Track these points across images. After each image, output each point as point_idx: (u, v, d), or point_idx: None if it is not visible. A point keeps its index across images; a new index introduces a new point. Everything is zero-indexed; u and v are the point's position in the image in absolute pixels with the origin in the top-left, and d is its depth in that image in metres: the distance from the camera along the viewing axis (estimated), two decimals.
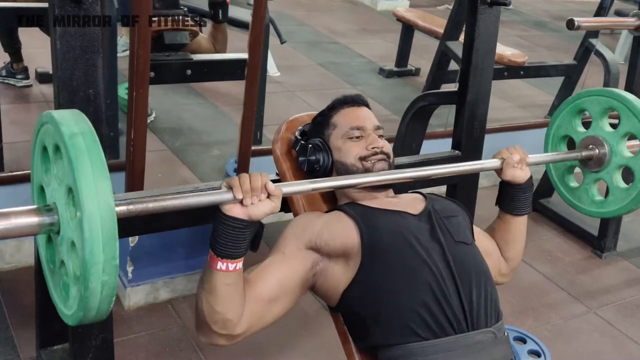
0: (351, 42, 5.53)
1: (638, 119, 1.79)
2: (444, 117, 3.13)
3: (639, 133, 1.81)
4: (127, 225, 1.70)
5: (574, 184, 2.01)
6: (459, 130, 2.19)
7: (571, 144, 1.99)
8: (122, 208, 1.14)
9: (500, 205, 1.77)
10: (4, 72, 3.64)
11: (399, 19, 4.78)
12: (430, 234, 1.51)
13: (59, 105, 1.49)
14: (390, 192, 1.66)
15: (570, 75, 4.34)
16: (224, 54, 2.92)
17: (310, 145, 1.64)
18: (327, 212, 1.59)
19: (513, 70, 4.05)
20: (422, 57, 4.84)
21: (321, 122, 1.68)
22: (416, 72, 4.85)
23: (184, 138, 3.45)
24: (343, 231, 1.46)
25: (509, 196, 1.73)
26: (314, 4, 6.57)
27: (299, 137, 1.70)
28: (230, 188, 1.27)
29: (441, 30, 4.16)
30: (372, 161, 1.59)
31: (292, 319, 2.43)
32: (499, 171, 1.71)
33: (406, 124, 2.34)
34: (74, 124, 1.04)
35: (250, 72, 2.23)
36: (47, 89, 3.63)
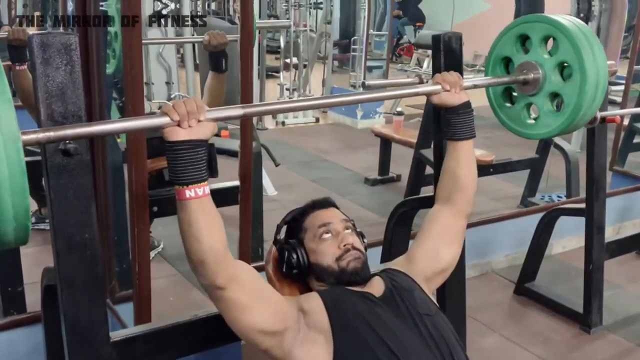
0: (338, 158, 5.53)
1: (573, 48, 1.66)
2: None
3: (572, 61, 1.68)
4: (130, 356, 1.57)
5: (509, 105, 1.88)
6: None
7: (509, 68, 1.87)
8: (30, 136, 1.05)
9: (444, 133, 1.69)
10: (33, 219, 3.55)
11: (377, 134, 4.80)
12: (396, 313, 1.45)
13: (56, 251, 1.38)
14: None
15: (535, 167, 4.29)
16: (219, 183, 2.84)
17: (287, 250, 1.58)
18: None
19: (483, 169, 3.97)
20: (401, 164, 4.81)
21: (295, 227, 1.63)
22: (397, 179, 4.82)
23: None
24: (316, 308, 1.42)
25: (445, 121, 1.64)
26: (303, 130, 6.64)
27: (279, 239, 1.66)
28: (165, 113, 1.20)
29: (414, 140, 4.15)
30: (347, 259, 1.53)
31: None
32: (430, 97, 1.61)
33: (391, 230, 2.23)
34: None
35: (242, 197, 2.16)
36: None
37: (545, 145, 4.22)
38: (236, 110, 1.34)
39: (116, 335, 1.51)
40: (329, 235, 1.55)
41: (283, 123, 6.57)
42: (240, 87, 2.07)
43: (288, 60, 6.98)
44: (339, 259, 1.53)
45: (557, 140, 4.13)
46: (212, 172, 1.27)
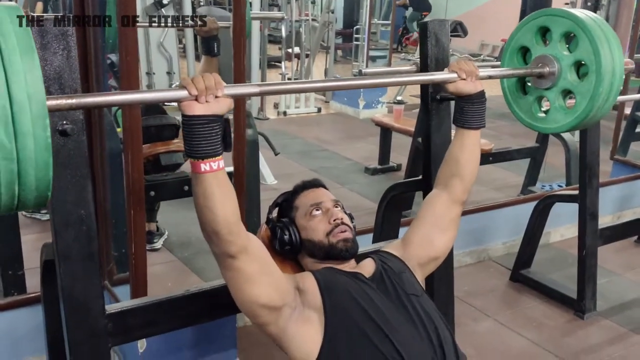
0: (338, 148, 5.62)
1: (592, 48, 1.66)
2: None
3: (590, 62, 1.68)
4: (124, 330, 1.67)
5: (522, 95, 1.90)
6: None
7: (525, 58, 1.89)
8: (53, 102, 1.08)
9: (454, 121, 1.73)
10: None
11: (377, 123, 4.88)
12: (384, 293, 1.54)
13: (54, 227, 1.48)
14: (353, 262, 1.66)
15: (535, 156, 4.36)
16: None
17: (279, 228, 1.67)
18: None
19: (483, 157, 3.98)
20: (402, 154, 4.88)
21: (286, 207, 1.72)
22: (398, 168, 4.89)
23: (192, 248, 3.43)
24: (310, 287, 1.51)
25: (459, 108, 1.69)
26: (305, 120, 6.72)
27: (271, 218, 1.74)
28: (184, 87, 1.25)
29: (413, 129, 4.22)
30: (336, 234, 1.61)
31: None
32: (445, 85, 1.65)
33: (382, 214, 2.32)
34: None
35: (236, 184, 2.24)
36: None
37: (544, 135, 4.29)
38: (252, 88, 1.38)
39: (111, 308, 1.61)
40: (319, 212, 1.64)
41: (285, 113, 6.66)
42: (234, 77, 2.16)
43: (290, 50, 7.07)
44: (329, 234, 1.61)
45: None
46: (227, 146, 1.31)
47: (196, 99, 1.24)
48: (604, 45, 1.67)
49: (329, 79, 1.61)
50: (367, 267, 1.63)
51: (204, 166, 1.26)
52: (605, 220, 3.65)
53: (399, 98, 5.10)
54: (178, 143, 2.69)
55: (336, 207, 1.67)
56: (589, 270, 2.99)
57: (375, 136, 5.12)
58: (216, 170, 1.28)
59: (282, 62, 6.94)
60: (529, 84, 1.87)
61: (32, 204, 1.02)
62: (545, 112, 1.85)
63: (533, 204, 3.29)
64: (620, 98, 3.40)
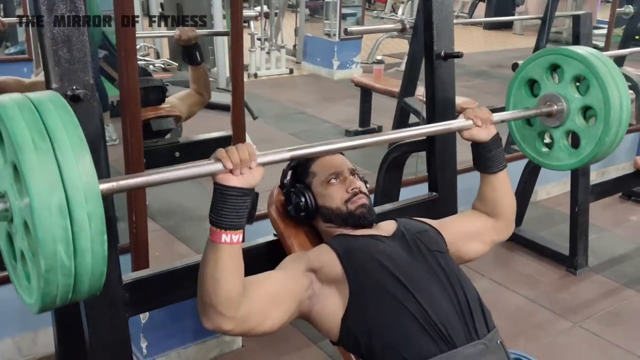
0: (315, 110, 5.61)
1: (603, 97, 1.70)
2: (412, 166, 3.18)
3: (600, 110, 1.71)
4: (141, 299, 1.69)
5: (527, 126, 1.92)
6: (433, 174, 2.22)
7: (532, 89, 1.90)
8: (109, 185, 1.09)
9: (475, 166, 1.78)
10: None
11: (357, 84, 4.87)
12: (405, 249, 1.57)
13: None
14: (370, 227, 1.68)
15: None
16: (207, 134, 2.93)
17: (294, 193, 1.68)
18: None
19: None
20: (382, 115, 4.92)
21: (301, 172, 1.73)
22: (379, 130, 4.91)
23: (177, 216, 3.43)
24: (328, 259, 1.52)
25: (479, 156, 1.74)
26: (277, 81, 6.69)
27: (286, 183, 1.74)
28: (218, 160, 1.27)
29: (396, 90, 4.25)
30: (355, 202, 1.64)
31: None
32: (460, 132, 1.70)
33: (383, 175, 2.36)
34: (9, 100, 0.97)
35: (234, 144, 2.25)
36: None
37: None
38: (284, 154, 1.38)
39: (128, 277, 1.62)
40: (337, 180, 1.67)
41: (255, 75, 6.61)
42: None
43: (259, 9, 6.98)
44: (347, 202, 1.64)
45: None
46: (251, 219, 1.33)
47: (231, 172, 1.26)
48: (614, 93, 1.72)
49: (358, 137, 1.58)
50: (387, 227, 1.66)
51: (225, 237, 1.28)
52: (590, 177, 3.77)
53: (378, 57, 5.10)
54: (168, 108, 2.67)
55: (353, 174, 1.69)
56: (581, 227, 3.10)
57: (353, 98, 5.13)
58: (235, 243, 1.29)
59: (251, 22, 6.85)
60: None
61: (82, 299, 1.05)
62: (548, 145, 1.89)
63: (521, 162, 3.37)
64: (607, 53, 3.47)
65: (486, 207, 1.79)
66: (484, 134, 1.69)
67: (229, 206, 1.26)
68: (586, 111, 1.79)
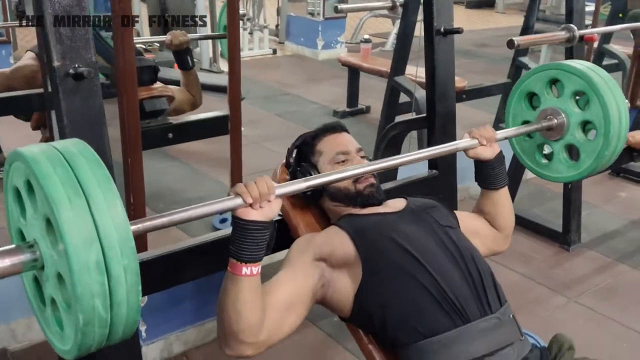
0: (301, 91, 5.60)
1: (603, 113, 1.75)
2: (404, 145, 3.19)
3: (600, 125, 1.76)
4: (146, 282, 1.67)
5: (526, 139, 1.96)
6: None
7: (531, 101, 1.94)
8: (136, 227, 1.10)
9: (478, 181, 1.81)
10: None
11: (344, 64, 4.86)
12: (416, 224, 1.57)
13: None
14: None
15: (508, 92, 4.44)
16: (201, 114, 2.89)
17: (300, 172, 1.67)
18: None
19: (457, 95, 4.12)
20: (370, 96, 4.92)
21: (307, 151, 1.72)
22: (367, 110, 4.92)
23: (167, 199, 3.40)
24: (339, 242, 1.51)
25: (482, 173, 1.77)
26: (261, 62, 6.64)
27: (292, 161, 1.73)
28: (238, 195, 1.27)
29: (384, 69, 4.24)
30: (363, 183, 1.65)
31: (303, 350, 2.40)
32: (466, 152, 1.73)
33: (381, 153, 2.36)
34: (40, 154, 0.97)
35: (232, 125, 2.24)
36: None
37: (516, 70, 4.39)
38: (300, 184, 1.40)
39: None
40: (344, 159, 1.66)
41: None
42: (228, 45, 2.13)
43: None
44: (356, 181, 1.63)
45: (527, 62, 4.30)
46: (269, 250, 1.34)
47: (250, 206, 1.27)
48: (614, 109, 1.76)
49: (376, 162, 1.60)
50: (396, 204, 1.66)
51: (245, 270, 1.28)
52: None
53: (366, 37, 5.08)
54: (160, 88, 2.63)
55: (359, 153, 1.69)
56: (574, 204, 3.14)
57: (338, 78, 5.13)
58: (255, 275, 1.30)
59: None
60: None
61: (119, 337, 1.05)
62: (547, 156, 1.93)
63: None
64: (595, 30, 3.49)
65: (486, 219, 1.81)
66: (489, 152, 1.72)
67: (249, 240, 1.27)
68: (585, 125, 1.84)
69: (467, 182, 3.69)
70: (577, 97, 1.84)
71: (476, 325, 1.42)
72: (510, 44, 2.67)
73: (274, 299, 1.40)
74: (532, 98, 1.93)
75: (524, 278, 2.90)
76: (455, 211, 1.81)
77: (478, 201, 1.83)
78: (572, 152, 1.89)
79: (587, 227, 3.31)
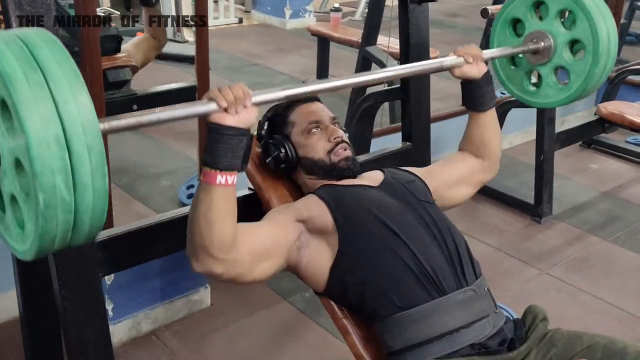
0: (269, 62, 5.53)
1: (590, 29, 1.72)
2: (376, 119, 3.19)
3: (588, 42, 1.74)
4: (116, 258, 1.65)
5: (512, 67, 1.93)
6: (408, 123, 2.22)
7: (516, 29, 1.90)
8: (102, 125, 1.04)
9: (465, 104, 1.79)
10: None
11: (314, 33, 4.80)
12: (395, 198, 1.58)
13: None
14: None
15: None
16: (168, 85, 2.84)
17: (273, 145, 1.66)
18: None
19: None
20: (339, 66, 4.89)
21: (280, 122, 1.70)
22: None
23: (131, 174, 3.35)
24: (317, 210, 1.51)
25: (469, 94, 1.75)
26: (226, 32, 6.53)
27: (263, 133, 1.71)
28: (212, 99, 1.24)
29: (355, 39, 4.21)
30: (338, 153, 1.64)
31: (274, 327, 2.41)
32: (451, 70, 1.70)
33: (354, 125, 2.35)
34: None
35: (200, 97, 2.20)
36: None
37: (488, 40, 4.39)
38: (278, 93, 1.36)
39: (100, 235, 1.57)
40: (318, 129, 1.65)
41: None
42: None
43: None
44: (330, 152, 1.63)
45: None
46: (245, 164, 1.30)
47: (225, 110, 1.23)
48: (601, 26, 1.72)
49: (357, 75, 1.56)
50: (374, 177, 1.66)
51: (220, 178, 1.26)
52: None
53: (336, 5, 5.03)
54: (124, 58, 2.57)
55: (334, 123, 1.68)
56: (546, 175, 3.18)
57: (307, 48, 5.08)
58: (230, 185, 1.27)
59: None
60: (520, 56, 1.89)
61: (81, 243, 1.01)
62: (535, 84, 1.90)
63: None
64: None
65: (474, 147, 1.81)
66: (475, 70, 1.69)
67: (225, 146, 1.24)
68: (573, 45, 1.80)
69: (439, 154, 3.73)
70: (562, 19, 1.81)
71: (453, 297, 1.44)
72: (485, 12, 2.66)
73: (252, 236, 1.41)
74: (516, 25, 1.89)
75: (496, 250, 2.95)
76: (433, 165, 1.83)
77: (466, 130, 1.82)
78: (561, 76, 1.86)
79: (559, 199, 3.37)
